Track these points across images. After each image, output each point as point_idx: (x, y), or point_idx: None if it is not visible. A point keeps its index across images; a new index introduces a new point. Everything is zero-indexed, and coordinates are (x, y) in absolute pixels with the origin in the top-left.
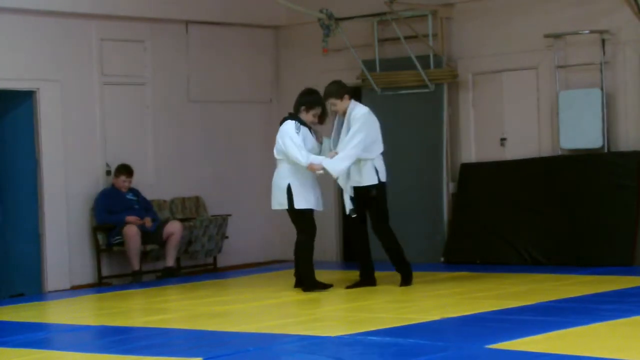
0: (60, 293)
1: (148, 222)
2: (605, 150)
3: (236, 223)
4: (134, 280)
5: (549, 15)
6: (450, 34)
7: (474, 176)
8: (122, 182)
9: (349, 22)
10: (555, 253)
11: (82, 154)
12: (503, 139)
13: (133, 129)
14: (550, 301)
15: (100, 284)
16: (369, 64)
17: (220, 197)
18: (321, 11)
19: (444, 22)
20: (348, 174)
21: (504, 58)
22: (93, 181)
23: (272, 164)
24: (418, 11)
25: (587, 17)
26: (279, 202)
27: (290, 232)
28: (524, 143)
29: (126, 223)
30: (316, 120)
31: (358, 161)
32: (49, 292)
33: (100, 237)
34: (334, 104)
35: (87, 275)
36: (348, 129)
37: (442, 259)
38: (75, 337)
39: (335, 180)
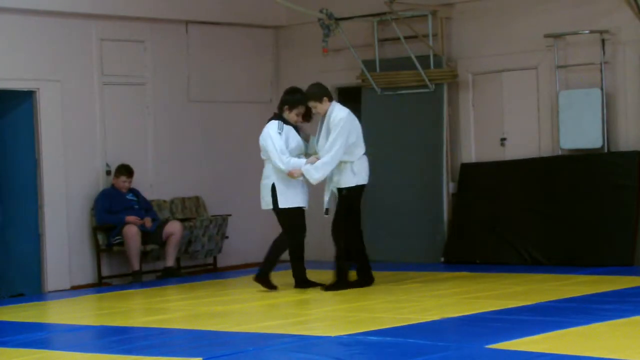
0: (60, 293)
1: (148, 222)
2: (605, 150)
3: (236, 223)
4: (134, 280)
5: (549, 15)
6: (450, 34)
7: (474, 176)
8: (122, 182)
9: (349, 22)
10: (555, 253)
11: (82, 154)
12: (503, 139)
13: (133, 129)
14: (550, 301)
15: (100, 284)
16: (369, 64)
17: (220, 197)
18: (321, 11)
19: (444, 22)
20: (330, 174)
21: (504, 58)
22: (93, 181)
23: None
24: (418, 11)
25: (587, 17)
26: (266, 201)
27: None
28: (524, 143)
29: (126, 223)
30: (300, 119)
31: (339, 163)
32: (49, 292)
33: (100, 237)
34: (314, 107)
35: (87, 275)
36: (328, 132)
37: (442, 259)
38: (75, 337)
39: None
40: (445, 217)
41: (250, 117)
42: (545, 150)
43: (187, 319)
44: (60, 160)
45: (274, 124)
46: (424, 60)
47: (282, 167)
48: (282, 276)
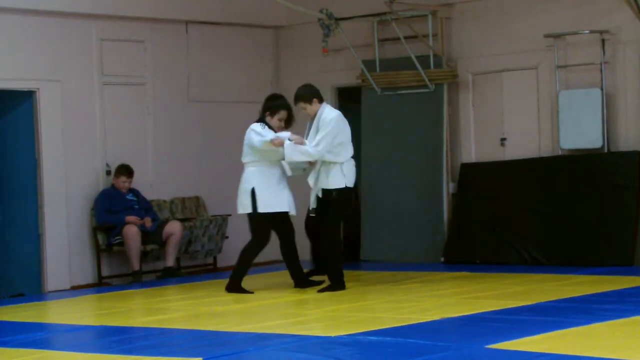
0: (60, 293)
1: (148, 222)
2: (605, 150)
3: (236, 223)
4: (134, 280)
5: (549, 15)
6: (450, 34)
7: (474, 176)
8: (122, 182)
9: (349, 22)
10: (555, 253)
11: (82, 154)
12: (503, 139)
13: (133, 129)
14: (550, 301)
15: (100, 284)
16: (369, 64)
17: (220, 197)
18: (321, 11)
19: (444, 22)
20: (318, 175)
21: (504, 58)
22: (93, 181)
23: None
24: (418, 11)
25: (587, 17)
26: (242, 205)
27: None
28: (524, 143)
29: (126, 223)
30: (282, 124)
31: (327, 164)
32: (49, 292)
33: (100, 237)
34: (303, 107)
35: (87, 275)
36: (317, 132)
37: (442, 259)
38: (75, 337)
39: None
40: (445, 217)
41: (250, 117)
42: (545, 150)
43: (187, 319)
44: (60, 160)
45: (256, 124)
46: (424, 60)
47: (267, 138)
48: (282, 276)
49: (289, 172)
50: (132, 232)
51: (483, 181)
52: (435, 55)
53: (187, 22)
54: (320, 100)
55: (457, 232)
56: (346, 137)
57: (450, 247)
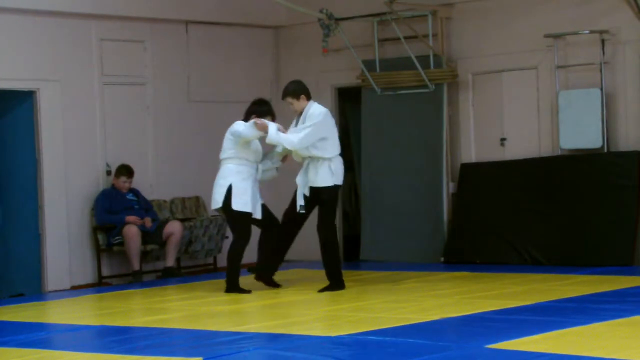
0: (60, 293)
1: (148, 222)
2: (605, 150)
3: None
4: (134, 280)
5: (549, 15)
6: (450, 34)
7: (474, 176)
8: (122, 182)
9: (349, 22)
10: (555, 253)
11: (82, 154)
12: (503, 139)
13: (133, 129)
14: (550, 301)
15: (100, 284)
16: (369, 64)
17: None
18: (321, 11)
19: (444, 22)
20: (306, 173)
21: (504, 58)
22: (93, 181)
23: None
24: (418, 11)
25: (587, 17)
26: (216, 201)
27: None
28: (524, 143)
29: (126, 223)
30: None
31: (315, 161)
32: (49, 292)
33: (100, 237)
34: (290, 103)
35: (87, 275)
36: None
37: (442, 259)
38: (75, 337)
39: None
40: (445, 217)
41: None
42: (545, 150)
43: (187, 319)
44: (60, 160)
45: (240, 121)
46: (424, 60)
47: (251, 122)
48: (282, 276)
49: (258, 177)
50: (132, 232)
51: (483, 181)
52: (435, 55)
53: (187, 22)
54: (308, 97)
55: (457, 232)
56: (331, 134)
57: (450, 247)
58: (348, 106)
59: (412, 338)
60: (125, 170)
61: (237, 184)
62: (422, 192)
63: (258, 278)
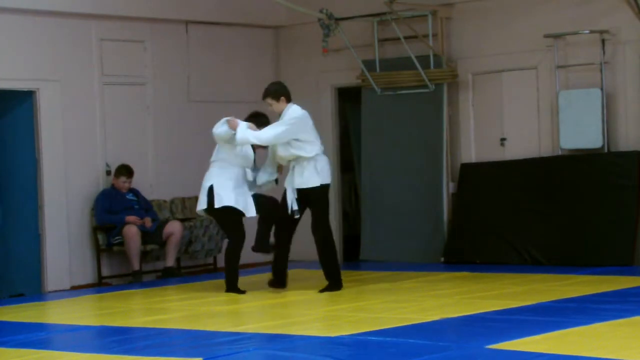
0: (60, 293)
1: (148, 222)
2: (605, 150)
3: None
4: (134, 280)
5: (549, 15)
6: (450, 34)
7: (474, 176)
8: (122, 182)
9: (349, 22)
10: (555, 253)
11: (82, 154)
12: (503, 139)
13: (133, 129)
14: (550, 301)
15: (100, 284)
16: (369, 64)
17: None
18: (321, 11)
19: (444, 22)
20: (292, 175)
21: (504, 58)
22: (93, 181)
23: None
24: (418, 11)
25: (587, 17)
26: (200, 203)
27: None
28: (524, 143)
29: (126, 223)
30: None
31: (300, 162)
32: (49, 292)
33: (100, 237)
34: (270, 104)
35: (87, 275)
36: None
37: (442, 259)
38: (75, 337)
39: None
40: (445, 217)
41: None
42: (545, 150)
43: (187, 319)
44: (60, 160)
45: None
46: (424, 60)
47: (223, 120)
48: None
49: (260, 181)
50: (132, 232)
51: (483, 181)
52: (435, 55)
53: (187, 22)
54: (288, 100)
55: (457, 232)
56: (310, 136)
57: (450, 247)
58: (348, 106)
59: (412, 338)
60: (125, 170)
61: (219, 184)
62: (422, 192)
63: (273, 284)
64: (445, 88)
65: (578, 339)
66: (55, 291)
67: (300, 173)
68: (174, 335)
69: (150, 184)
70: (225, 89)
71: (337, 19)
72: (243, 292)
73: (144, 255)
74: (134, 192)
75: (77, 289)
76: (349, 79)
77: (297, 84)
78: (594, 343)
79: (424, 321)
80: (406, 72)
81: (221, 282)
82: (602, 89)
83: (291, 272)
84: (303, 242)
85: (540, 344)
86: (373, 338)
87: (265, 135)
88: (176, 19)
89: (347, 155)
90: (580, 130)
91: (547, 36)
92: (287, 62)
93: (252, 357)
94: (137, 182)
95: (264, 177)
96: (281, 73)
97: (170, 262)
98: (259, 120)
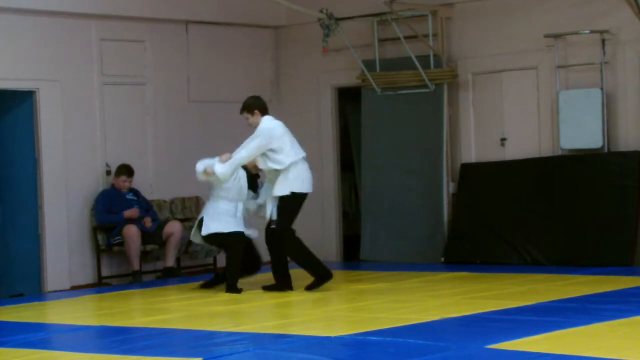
0: (60, 293)
1: (148, 222)
2: (605, 150)
3: None
4: (134, 280)
5: (549, 15)
6: (450, 34)
7: (474, 176)
8: (122, 182)
9: (349, 22)
10: (555, 253)
11: (82, 154)
12: (503, 139)
13: (133, 129)
14: (550, 301)
15: (100, 284)
16: (369, 64)
17: None
18: (321, 11)
19: (444, 22)
20: (269, 185)
21: (504, 58)
22: (93, 181)
23: None
24: (418, 11)
25: (587, 17)
26: (194, 235)
27: None
28: (524, 143)
29: (126, 220)
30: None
31: (273, 174)
32: (49, 292)
33: (100, 237)
34: (246, 118)
35: (87, 275)
36: None
37: (442, 259)
38: (75, 337)
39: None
40: (445, 217)
41: None
42: (545, 150)
43: (187, 319)
44: (60, 160)
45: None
46: (424, 60)
47: (197, 168)
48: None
49: (241, 213)
50: (132, 232)
51: (483, 181)
52: (435, 55)
53: (187, 22)
54: (263, 113)
55: (457, 232)
56: (284, 144)
57: (451, 247)
58: (348, 106)
59: (412, 338)
60: (126, 170)
61: (205, 215)
62: (422, 192)
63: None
64: (445, 88)
65: (578, 339)
66: (55, 291)
67: (275, 182)
68: (174, 335)
69: (150, 184)
70: (225, 89)
71: (337, 19)
72: (239, 290)
73: (144, 255)
74: (134, 192)
75: (77, 289)
76: (349, 79)
77: (297, 84)
78: (594, 343)
79: (424, 321)
80: (406, 72)
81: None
82: (602, 89)
83: (291, 272)
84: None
85: (540, 344)
86: (373, 338)
87: (238, 155)
88: (176, 19)
89: (347, 155)
90: (580, 130)
91: (547, 36)
92: (287, 62)
93: (252, 357)
94: (137, 182)
95: (251, 203)
96: (281, 73)
97: (170, 262)
98: None
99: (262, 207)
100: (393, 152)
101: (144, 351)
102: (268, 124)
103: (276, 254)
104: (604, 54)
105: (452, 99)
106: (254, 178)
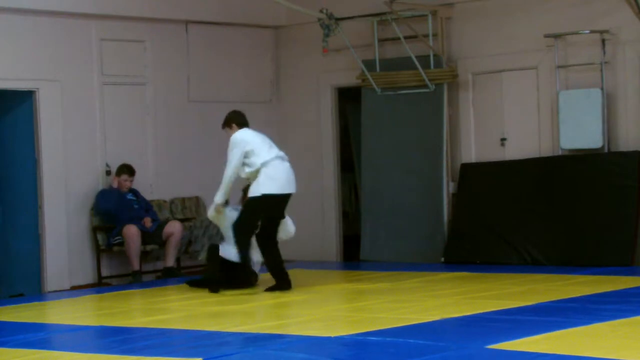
0: (60, 293)
1: (148, 222)
2: (605, 150)
3: None
4: (134, 280)
5: (549, 15)
6: (450, 34)
7: (474, 176)
8: (123, 181)
9: (349, 22)
10: (555, 253)
11: (82, 154)
12: (503, 139)
13: (133, 129)
14: (550, 301)
15: (100, 284)
16: (369, 64)
17: None
18: (321, 11)
19: (444, 22)
20: None
21: (504, 58)
22: (93, 181)
23: None
24: (418, 11)
25: (587, 17)
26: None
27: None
28: (524, 143)
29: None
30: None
31: (252, 178)
32: (49, 292)
33: (100, 237)
34: (227, 132)
35: (87, 275)
36: None
37: (442, 259)
38: (75, 337)
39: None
40: (445, 217)
41: (250, 117)
42: (545, 150)
43: (187, 319)
44: (60, 160)
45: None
46: (424, 60)
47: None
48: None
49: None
50: (132, 232)
51: (483, 181)
52: (435, 55)
53: (187, 22)
54: (240, 126)
55: (457, 232)
56: (255, 145)
57: (451, 247)
58: (348, 106)
59: (412, 338)
60: (127, 169)
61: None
62: (422, 192)
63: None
64: (445, 88)
65: (578, 339)
66: (55, 291)
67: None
68: (174, 335)
69: (150, 184)
70: (225, 89)
71: (337, 19)
72: (216, 290)
73: (144, 255)
74: (134, 192)
75: (77, 289)
76: (349, 79)
77: (297, 84)
78: (594, 343)
79: (424, 321)
80: (406, 72)
81: None
82: (602, 89)
83: (291, 272)
84: (303, 242)
85: (540, 344)
86: (373, 338)
87: (226, 174)
88: (176, 19)
89: (347, 155)
90: (580, 130)
91: (547, 36)
92: (287, 62)
93: (252, 357)
94: (137, 182)
95: None
96: (281, 73)
97: (170, 262)
98: None
99: None
100: (393, 152)
101: (144, 351)
102: (237, 134)
103: (268, 255)
104: (604, 54)
105: (452, 99)
106: None
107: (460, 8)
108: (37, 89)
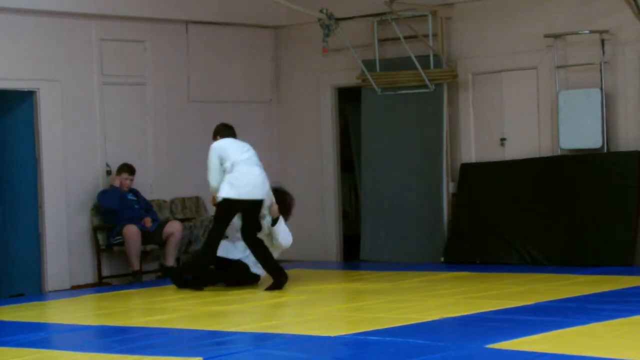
0: (60, 293)
1: (148, 222)
2: (605, 150)
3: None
4: (134, 280)
5: (549, 15)
6: (450, 34)
7: (474, 176)
8: (124, 179)
9: (349, 22)
10: (555, 253)
11: (82, 154)
12: (503, 139)
13: (133, 129)
14: (550, 301)
15: (100, 284)
16: (369, 64)
17: None
18: (321, 11)
19: (444, 22)
20: None
21: (504, 58)
22: (93, 181)
23: (271, 163)
24: (418, 11)
25: (587, 17)
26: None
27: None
28: (524, 143)
29: (125, 225)
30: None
31: None
32: (49, 292)
33: (100, 237)
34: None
35: (87, 275)
36: None
37: (442, 259)
38: (75, 337)
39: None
40: (445, 217)
41: (250, 117)
42: (545, 150)
43: (187, 319)
44: (60, 160)
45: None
46: (424, 60)
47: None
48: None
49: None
50: (132, 232)
51: (483, 181)
52: (435, 55)
53: (187, 22)
54: (222, 137)
55: (457, 232)
56: (227, 148)
57: (451, 247)
58: (348, 106)
59: (412, 338)
60: (128, 168)
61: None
62: (422, 192)
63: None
64: (445, 88)
65: (578, 339)
66: (55, 291)
67: None
68: (174, 335)
69: (150, 184)
70: (225, 89)
71: (337, 19)
72: (200, 288)
73: (144, 255)
74: (134, 192)
75: (77, 289)
76: (349, 79)
77: (297, 84)
78: (594, 343)
79: (424, 321)
80: (406, 72)
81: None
82: (602, 89)
83: (291, 272)
84: (303, 242)
85: (540, 344)
86: (373, 338)
87: (209, 182)
88: (176, 19)
89: (347, 155)
90: (580, 130)
91: (547, 36)
92: (287, 62)
93: (252, 357)
94: (137, 182)
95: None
96: (281, 73)
97: (170, 262)
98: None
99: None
100: (393, 152)
101: (144, 351)
102: (214, 142)
103: (259, 255)
104: (604, 54)
105: (452, 99)
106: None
107: (460, 8)
108: (37, 89)
